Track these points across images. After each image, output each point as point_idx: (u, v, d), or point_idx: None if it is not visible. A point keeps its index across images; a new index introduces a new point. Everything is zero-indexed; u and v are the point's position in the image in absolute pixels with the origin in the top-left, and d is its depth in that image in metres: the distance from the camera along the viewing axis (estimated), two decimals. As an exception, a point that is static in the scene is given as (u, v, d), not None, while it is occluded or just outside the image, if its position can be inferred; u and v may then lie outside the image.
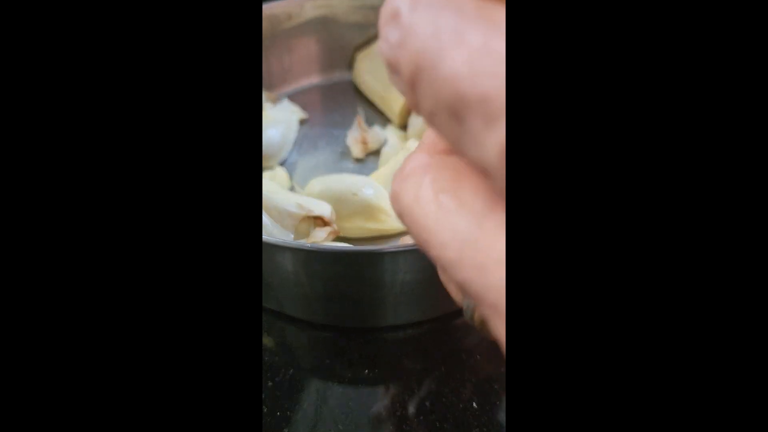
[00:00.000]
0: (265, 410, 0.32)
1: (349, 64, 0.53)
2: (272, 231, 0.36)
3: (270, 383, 0.33)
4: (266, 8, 0.48)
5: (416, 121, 0.45)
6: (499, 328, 0.14)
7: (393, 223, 0.39)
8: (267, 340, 0.36)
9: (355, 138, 0.46)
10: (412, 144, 0.43)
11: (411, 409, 0.32)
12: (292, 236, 0.36)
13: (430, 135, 0.16)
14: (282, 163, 0.45)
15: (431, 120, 0.13)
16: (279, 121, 0.46)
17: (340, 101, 0.51)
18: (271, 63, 0.50)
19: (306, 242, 0.35)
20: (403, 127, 0.47)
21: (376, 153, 0.46)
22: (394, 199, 0.16)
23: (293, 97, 0.51)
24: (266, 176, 0.43)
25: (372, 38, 0.51)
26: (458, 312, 0.36)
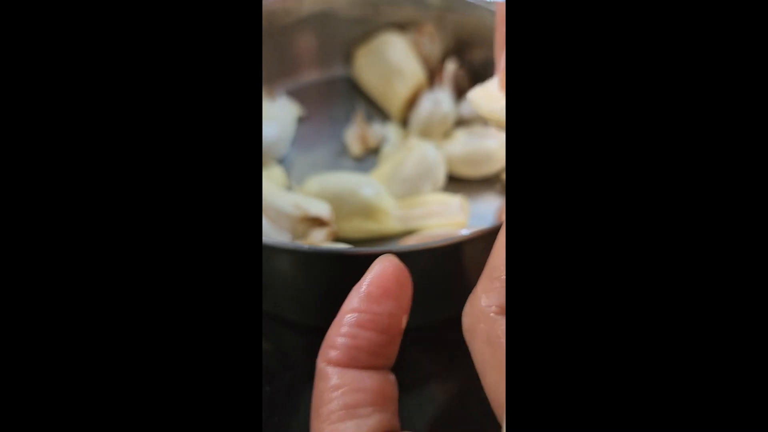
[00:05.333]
0: (263, 416, 0.31)
1: (348, 60, 0.52)
2: (269, 232, 0.35)
3: (267, 388, 0.32)
4: (264, 4, 0.48)
5: (417, 118, 0.44)
6: None
7: (393, 224, 0.38)
8: (263, 344, 0.35)
9: (354, 135, 0.45)
10: (413, 141, 0.42)
11: (411, 413, 0.31)
12: (290, 237, 0.36)
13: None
14: (279, 162, 0.45)
15: None
16: (276, 117, 0.45)
17: (339, 98, 0.51)
18: (268, 59, 0.49)
19: (303, 243, 0.34)
20: (404, 123, 0.47)
21: (376, 151, 0.45)
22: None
23: (291, 94, 0.50)
24: (263, 175, 0.42)
25: (371, 34, 0.51)
26: (458, 316, 0.35)
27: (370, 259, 0.31)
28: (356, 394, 0.16)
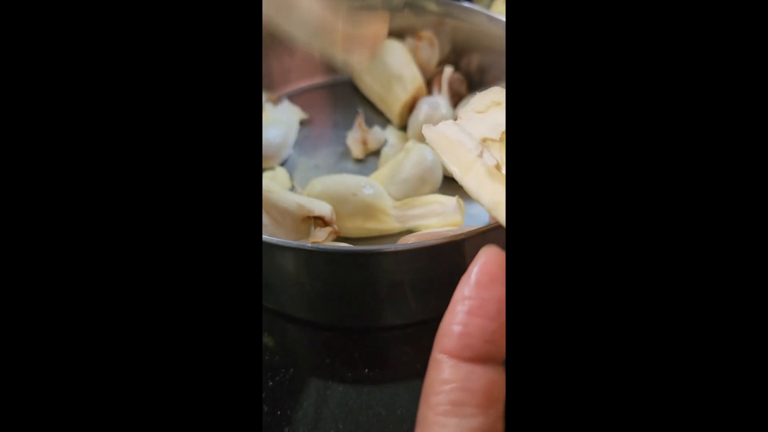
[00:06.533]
0: (265, 410, 0.32)
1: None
2: (272, 231, 0.36)
3: (270, 383, 0.33)
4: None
5: (415, 122, 0.45)
6: None
7: (393, 223, 0.39)
8: (267, 340, 0.36)
9: (355, 138, 0.46)
10: (412, 144, 0.43)
11: (412, 408, 0.32)
12: (293, 236, 0.36)
13: None
14: (282, 164, 0.45)
15: None
16: (279, 121, 0.46)
17: (341, 102, 0.51)
18: (271, 64, 0.50)
19: (306, 242, 0.35)
20: (403, 127, 0.48)
21: (376, 153, 0.46)
22: None
23: (294, 98, 0.51)
24: (267, 176, 0.43)
25: (372, 39, 0.51)
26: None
27: (370, 257, 0.32)
28: (463, 393, 0.16)
